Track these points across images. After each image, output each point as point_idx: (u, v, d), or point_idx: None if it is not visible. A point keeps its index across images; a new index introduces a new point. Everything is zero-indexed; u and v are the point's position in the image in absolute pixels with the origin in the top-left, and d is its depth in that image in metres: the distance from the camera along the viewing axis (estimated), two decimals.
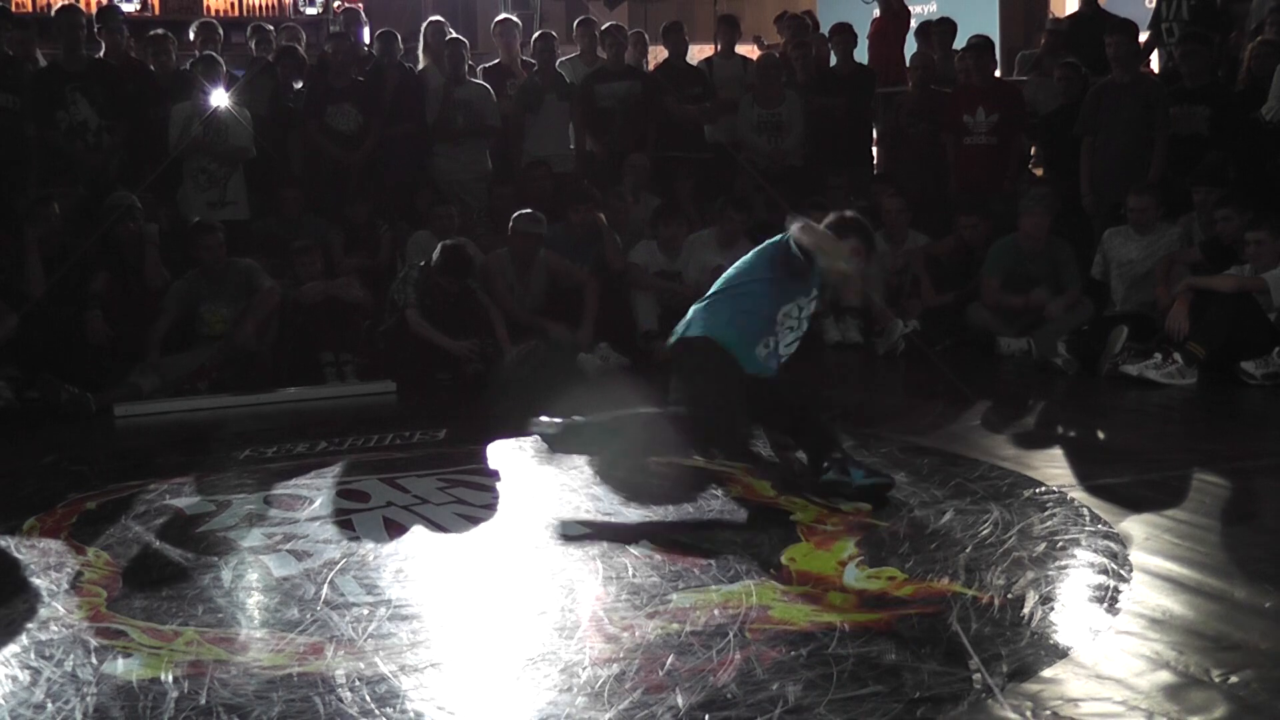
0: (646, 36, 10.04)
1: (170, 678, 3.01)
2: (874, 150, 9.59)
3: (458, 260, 6.86)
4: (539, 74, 8.63)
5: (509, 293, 7.24)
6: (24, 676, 3.05)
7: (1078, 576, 3.58)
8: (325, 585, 3.64)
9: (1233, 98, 7.68)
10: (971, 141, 8.47)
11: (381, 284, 7.37)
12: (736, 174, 8.57)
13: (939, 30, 9.70)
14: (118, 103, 7.88)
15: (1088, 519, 4.08)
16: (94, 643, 3.25)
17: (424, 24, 9.05)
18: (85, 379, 6.46)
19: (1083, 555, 3.74)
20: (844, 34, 9.22)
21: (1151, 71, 8.85)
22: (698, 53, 9.67)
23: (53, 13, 8.30)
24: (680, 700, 2.82)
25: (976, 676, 2.90)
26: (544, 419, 4.70)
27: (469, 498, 4.55)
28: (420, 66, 8.72)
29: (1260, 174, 7.38)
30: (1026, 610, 3.30)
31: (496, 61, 8.99)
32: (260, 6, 12.35)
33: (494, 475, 4.88)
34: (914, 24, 10.60)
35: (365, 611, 3.42)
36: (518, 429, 5.52)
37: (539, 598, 3.52)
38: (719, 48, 9.64)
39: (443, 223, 7.57)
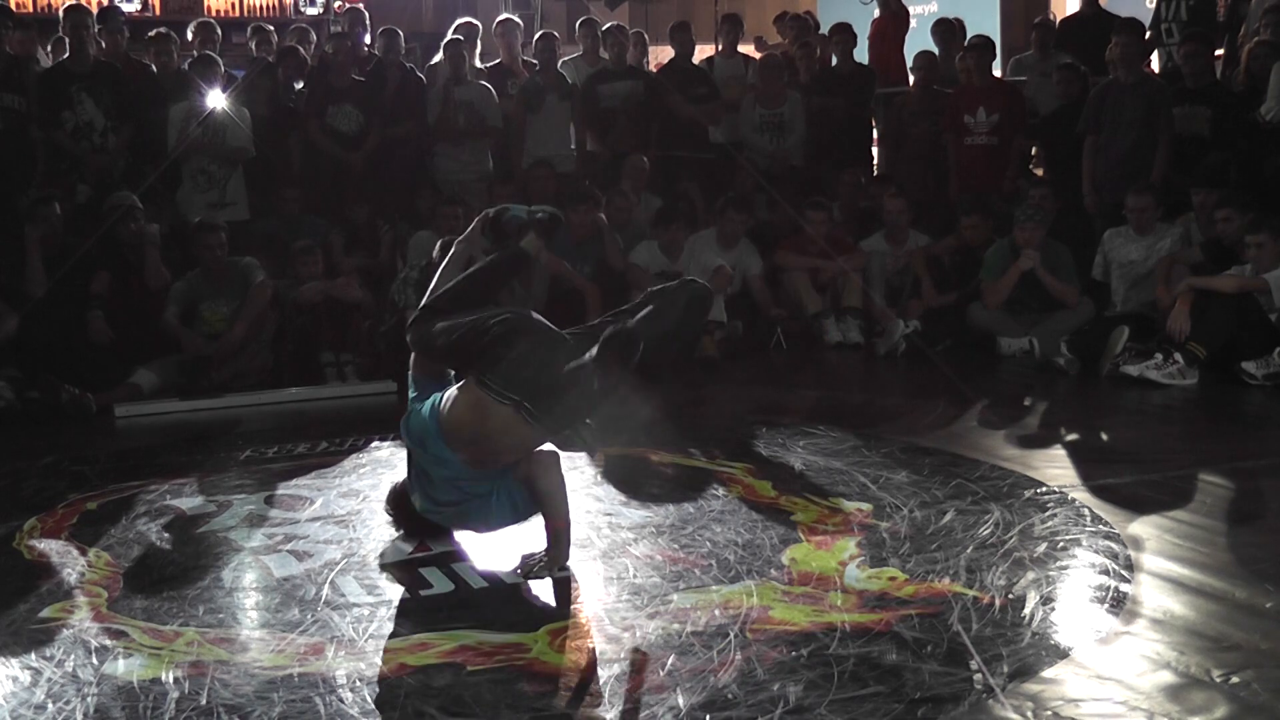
0: (647, 37, 10.05)
1: (171, 678, 3.01)
2: (874, 150, 9.59)
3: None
4: (540, 74, 8.64)
5: (510, 294, 7.24)
6: (25, 677, 3.05)
7: (1079, 577, 3.58)
8: (326, 586, 3.64)
9: (1234, 99, 7.68)
10: (972, 141, 8.47)
11: (382, 284, 7.38)
12: (737, 174, 8.58)
13: (948, 29, 9.67)
14: (123, 103, 7.88)
15: (1089, 519, 4.08)
16: (95, 643, 3.25)
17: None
18: (86, 379, 6.46)
19: (1084, 556, 3.74)
20: (844, 34, 9.22)
21: (1153, 72, 8.85)
22: (699, 53, 9.67)
23: (60, 12, 8.29)
24: (681, 700, 2.82)
25: (977, 677, 2.90)
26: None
27: None
28: (433, 62, 8.75)
29: (1260, 175, 7.38)
30: (1027, 610, 3.30)
31: (497, 62, 9.00)
32: (261, 6, 12.35)
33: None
34: (914, 24, 10.60)
35: (366, 612, 3.42)
36: None
37: (539, 598, 3.52)
38: (721, 47, 9.65)
39: (448, 223, 7.55)
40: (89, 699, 2.91)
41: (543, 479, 3.69)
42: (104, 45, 8.29)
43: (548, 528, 3.73)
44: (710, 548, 3.89)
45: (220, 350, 6.82)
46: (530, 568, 3.70)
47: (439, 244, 6.96)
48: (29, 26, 8.48)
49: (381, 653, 3.13)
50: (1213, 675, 2.88)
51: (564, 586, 3.60)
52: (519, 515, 3.78)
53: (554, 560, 3.70)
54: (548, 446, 3.77)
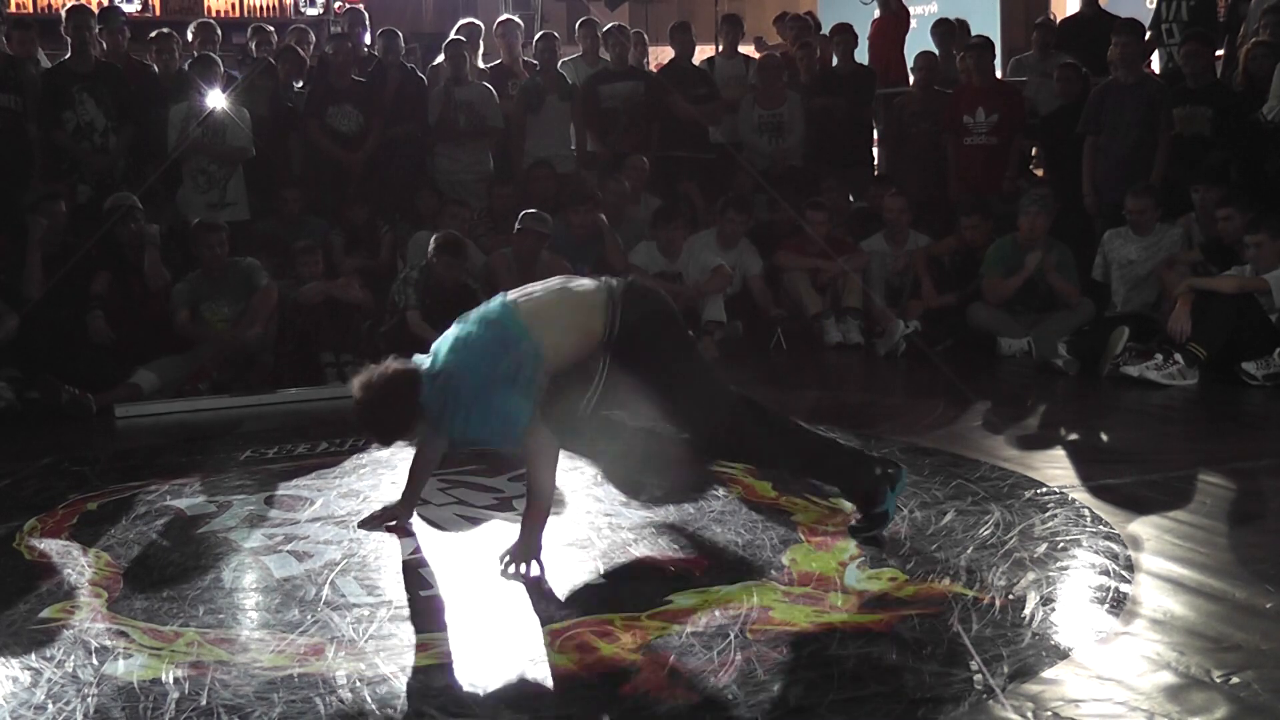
0: (647, 37, 10.05)
1: (171, 679, 3.01)
2: (874, 151, 9.60)
3: (452, 243, 6.86)
4: (540, 74, 8.65)
5: None
6: (25, 677, 3.05)
7: (1079, 577, 3.58)
8: (326, 586, 3.64)
9: (1235, 99, 7.68)
10: (972, 141, 8.48)
11: (382, 285, 7.37)
12: (737, 174, 8.58)
13: (948, 29, 9.67)
14: (123, 103, 7.89)
15: (1089, 520, 4.08)
16: (95, 643, 3.24)
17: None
18: (86, 380, 6.46)
19: (1084, 556, 3.74)
20: (844, 34, 9.23)
21: (1153, 72, 8.85)
22: (699, 53, 9.67)
23: (62, 12, 8.29)
24: (681, 701, 2.82)
25: (978, 677, 2.90)
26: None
27: (469, 498, 4.55)
28: (435, 63, 8.76)
29: (1260, 175, 7.38)
30: (1027, 611, 3.30)
31: (498, 62, 9.00)
32: (261, 7, 12.35)
33: (494, 475, 4.87)
34: (914, 24, 10.60)
35: (366, 612, 3.42)
36: None
37: (539, 598, 3.52)
38: (721, 47, 9.66)
39: (454, 223, 7.56)
40: (89, 699, 2.91)
41: (538, 474, 3.71)
42: (105, 45, 8.30)
43: (524, 519, 3.75)
44: (710, 548, 3.89)
45: (219, 353, 6.82)
46: (504, 562, 3.70)
47: (434, 236, 6.99)
48: (28, 26, 8.48)
49: (381, 653, 3.13)
50: (1213, 675, 2.88)
51: (564, 587, 3.60)
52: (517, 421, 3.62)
53: (523, 552, 3.69)
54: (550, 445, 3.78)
